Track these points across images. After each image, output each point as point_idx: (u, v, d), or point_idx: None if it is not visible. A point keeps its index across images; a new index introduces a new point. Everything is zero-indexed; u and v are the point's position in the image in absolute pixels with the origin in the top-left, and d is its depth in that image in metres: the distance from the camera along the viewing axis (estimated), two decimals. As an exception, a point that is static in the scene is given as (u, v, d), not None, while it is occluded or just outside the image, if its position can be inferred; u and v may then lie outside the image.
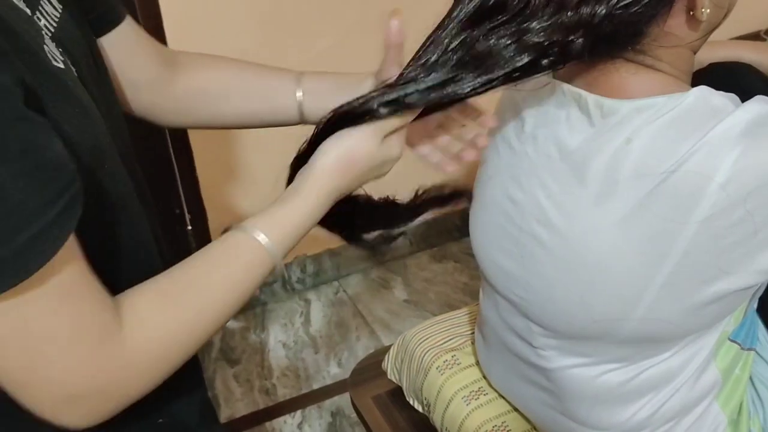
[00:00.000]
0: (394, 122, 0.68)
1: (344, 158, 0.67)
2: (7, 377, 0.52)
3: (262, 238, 0.63)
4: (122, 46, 0.78)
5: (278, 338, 1.90)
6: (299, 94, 0.81)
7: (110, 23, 0.77)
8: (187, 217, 1.77)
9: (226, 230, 0.65)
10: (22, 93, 0.49)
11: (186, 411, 0.76)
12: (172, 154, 1.68)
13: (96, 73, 0.70)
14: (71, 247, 0.52)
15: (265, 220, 0.65)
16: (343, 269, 2.07)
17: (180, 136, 1.67)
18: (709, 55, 1.01)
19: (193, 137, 1.68)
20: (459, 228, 2.15)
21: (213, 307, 0.61)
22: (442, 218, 2.13)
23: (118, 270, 0.65)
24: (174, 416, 0.74)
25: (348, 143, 0.67)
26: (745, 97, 0.68)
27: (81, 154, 0.57)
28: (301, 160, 0.72)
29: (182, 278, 0.61)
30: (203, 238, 1.79)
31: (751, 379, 0.87)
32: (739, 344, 0.82)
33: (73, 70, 0.62)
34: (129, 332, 0.56)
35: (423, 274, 2.08)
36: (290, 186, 0.69)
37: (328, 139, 0.68)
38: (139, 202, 0.70)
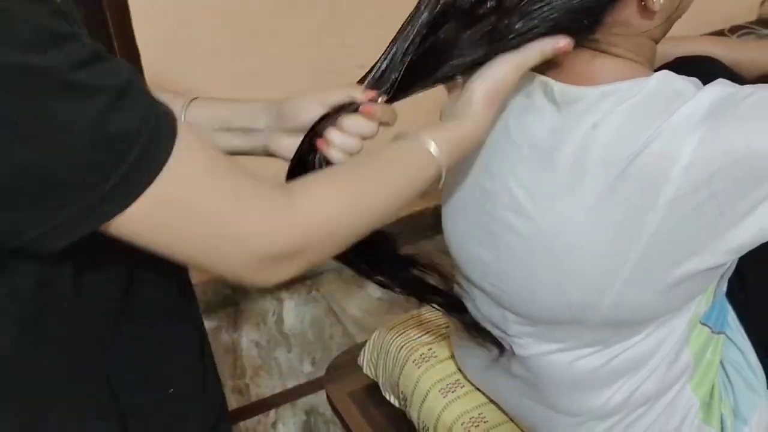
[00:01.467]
0: (535, 60, 0.70)
1: (492, 93, 0.71)
2: (201, 254, 0.55)
3: (434, 149, 0.68)
4: None
5: (251, 337, 1.89)
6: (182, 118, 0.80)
7: None
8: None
9: (400, 135, 0.70)
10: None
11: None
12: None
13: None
14: (192, 133, 0.54)
15: (438, 134, 0.69)
16: (317, 267, 2.06)
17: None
18: (676, 49, 1.03)
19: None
20: (432, 226, 2.15)
21: (380, 199, 0.65)
22: (416, 216, 2.13)
23: None
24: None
25: (495, 79, 0.70)
26: (707, 83, 0.70)
27: None
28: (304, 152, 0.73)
29: (356, 168, 0.67)
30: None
31: (721, 362, 0.89)
32: (710, 327, 0.84)
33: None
34: (298, 200, 0.59)
35: (396, 271, 2.08)
36: (458, 107, 0.72)
37: (473, 78, 0.71)
38: None
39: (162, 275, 0.69)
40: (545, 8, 0.67)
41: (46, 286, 0.57)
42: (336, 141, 0.71)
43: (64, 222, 0.49)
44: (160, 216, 0.52)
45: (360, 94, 0.72)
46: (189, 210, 0.53)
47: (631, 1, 0.69)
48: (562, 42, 0.69)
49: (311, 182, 0.63)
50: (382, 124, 0.73)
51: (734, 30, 2.11)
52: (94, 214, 0.50)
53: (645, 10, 0.70)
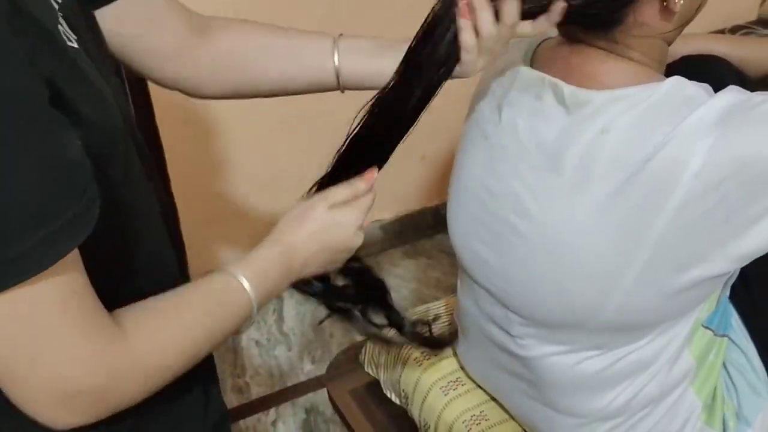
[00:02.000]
0: (343, 193, 0.74)
1: (296, 216, 0.74)
2: (5, 371, 0.52)
3: (246, 285, 0.66)
4: (140, 14, 0.75)
5: (251, 336, 1.89)
6: (336, 56, 0.79)
7: None
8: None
9: (219, 271, 0.67)
10: (47, 91, 0.49)
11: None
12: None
13: (97, 49, 0.67)
14: (77, 255, 0.52)
15: (258, 275, 0.68)
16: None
17: (152, 137, 1.63)
18: (682, 48, 1.03)
19: (165, 139, 1.65)
20: (432, 225, 2.15)
21: (203, 335, 0.63)
22: (415, 215, 2.13)
23: (138, 256, 0.66)
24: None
25: (303, 205, 0.75)
26: (716, 88, 0.70)
27: (98, 136, 0.56)
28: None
29: (179, 302, 0.63)
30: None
31: (724, 364, 0.89)
32: (712, 331, 0.84)
33: (82, 49, 0.61)
34: (132, 339, 0.57)
35: (396, 270, 2.08)
36: (284, 234, 0.73)
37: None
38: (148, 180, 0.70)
39: (159, 269, 0.68)
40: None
41: None
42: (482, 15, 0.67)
43: None
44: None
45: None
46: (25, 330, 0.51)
47: (653, 1, 0.69)
48: (371, 177, 0.76)
49: (144, 320, 0.60)
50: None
51: (734, 30, 2.11)
52: None
53: (666, 10, 0.69)
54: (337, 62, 0.79)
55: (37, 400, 0.53)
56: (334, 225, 0.74)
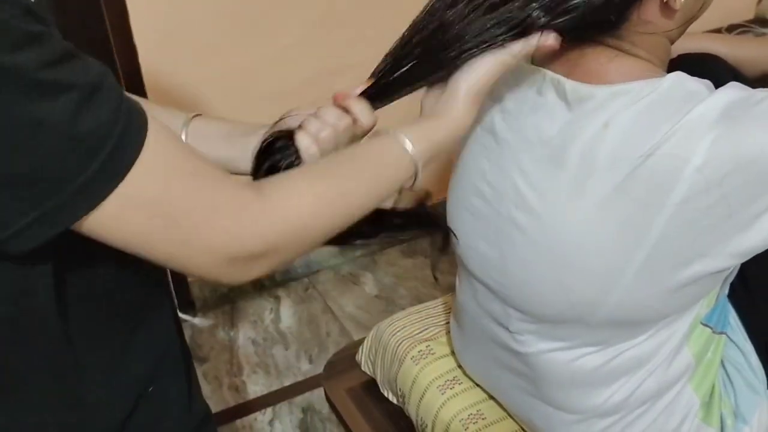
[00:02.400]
0: (520, 54, 0.69)
1: (478, 91, 0.71)
2: (170, 253, 0.55)
3: (410, 147, 0.67)
4: None
5: (248, 335, 1.89)
6: (183, 136, 0.78)
7: None
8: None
9: (377, 133, 0.69)
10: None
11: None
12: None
13: None
14: (164, 131, 0.54)
15: (415, 133, 0.68)
16: (313, 266, 2.05)
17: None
18: (679, 46, 1.03)
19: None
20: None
21: (354, 197, 0.64)
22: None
23: None
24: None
25: (478, 75, 0.70)
26: (714, 86, 0.70)
27: None
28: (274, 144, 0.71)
29: (329, 166, 0.66)
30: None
31: (722, 362, 0.89)
32: (711, 328, 0.84)
33: None
34: (269, 200, 0.58)
35: (393, 269, 2.08)
36: (441, 102, 0.71)
37: (458, 74, 0.70)
38: None
39: (138, 275, 0.68)
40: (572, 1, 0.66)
41: (19, 283, 0.56)
42: (311, 128, 0.70)
43: (32, 223, 0.48)
44: (130, 216, 0.51)
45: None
46: (158, 209, 0.52)
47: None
48: (550, 39, 0.68)
49: (283, 180, 0.62)
50: (358, 124, 0.72)
51: (731, 29, 2.11)
52: (63, 214, 0.49)
53: (667, 8, 0.70)
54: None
55: (207, 268, 0.56)
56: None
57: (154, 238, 0.53)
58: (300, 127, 0.71)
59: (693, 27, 0.79)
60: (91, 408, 0.65)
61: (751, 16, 2.26)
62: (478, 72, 0.69)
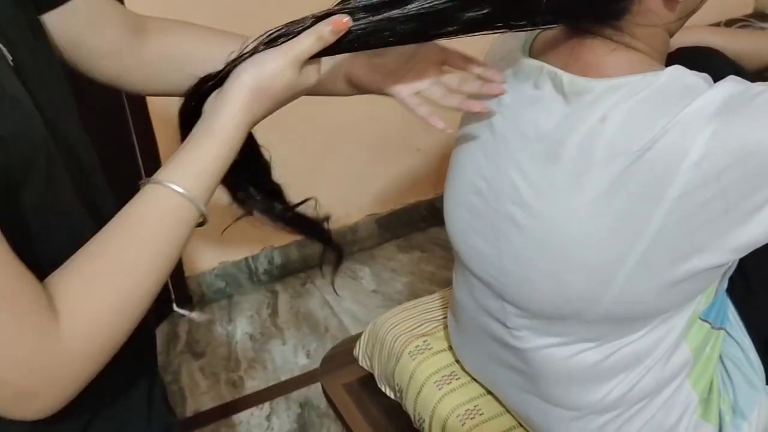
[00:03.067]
0: (313, 48, 0.65)
1: (261, 89, 0.65)
2: None
3: (179, 189, 0.60)
4: (82, 15, 0.75)
5: (245, 330, 1.88)
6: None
7: None
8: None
9: (142, 183, 0.62)
10: None
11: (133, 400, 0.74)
12: (137, 148, 1.64)
13: (37, 55, 0.66)
14: None
15: (181, 168, 0.62)
16: (311, 261, 2.05)
17: (144, 132, 1.63)
18: (678, 39, 1.02)
19: (152, 109, 1.64)
20: (425, 218, 2.15)
21: (145, 277, 0.59)
22: (410, 209, 2.12)
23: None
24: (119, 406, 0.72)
25: (266, 73, 0.65)
26: (713, 79, 0.69)
27: (9, 149, 0.54)
28: (204, 86, 0.69)
29: (108, 256, 0.58)
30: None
31: (720, 358, 0.88)
32: (710, 323, 0.83)
33: (8, 56, 0.59)
34: (66, 324, 0.54)
35: (390, 264, 2.08)
36: (202, 120, 0.65)
37: (242, 66, 0.66)
38: (85, 203, 0.66)
39: None
40: None
41: None
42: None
43: None
44: None
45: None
46: None
47: None
48: (341, 22, 0.64)
49: (76, 294, 0.56)
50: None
51: (730, 23, 2.11)
52: None
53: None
54: None
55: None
56: (298, 89, 0.67)
57: None
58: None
59: (692, 21, 0.78)
60: (44, 427, 0.63)
61: (749, 10, 2.26)
62: (264, 66, 0.65)
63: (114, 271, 0.58)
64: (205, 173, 0.62)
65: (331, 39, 0.66)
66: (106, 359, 0.58)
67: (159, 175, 0.61)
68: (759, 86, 0.67)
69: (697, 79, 0.68)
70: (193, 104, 0.70)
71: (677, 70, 0.68)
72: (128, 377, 0.72)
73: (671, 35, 0.75)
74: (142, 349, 0.75)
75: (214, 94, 0.67)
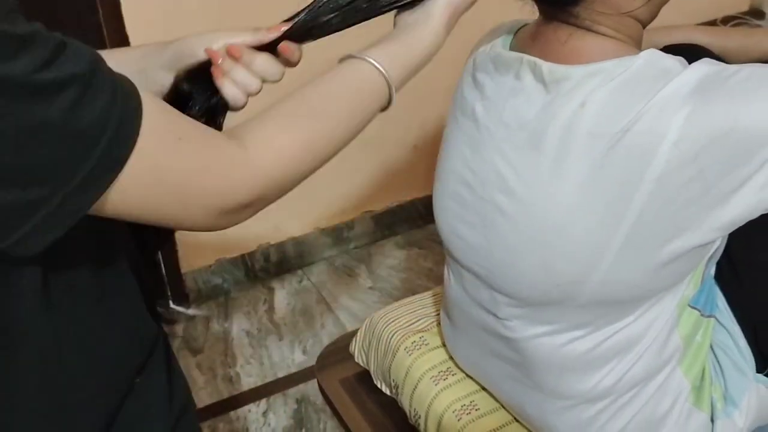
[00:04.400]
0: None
1: (456, 11, 0.71)
2: (167, 214, 0.57)
3: (381, 68, 0.66)
4: None
5: (242, 326, 1.89)
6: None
7: None
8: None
9: (342, 59, 0.68)
10: None
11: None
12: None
13: None
14: (153, 101, 0.54)
15: (387, 55, 0.68)
16: (307, 258, 2.05)
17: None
18: (665, 38, 1.03)
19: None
20: (423, 215, 2.15)
21: (334, 133, 0.65)
22: (407, 205, 2.13)
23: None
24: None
25: None
26: None
27: None
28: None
29: (305, 104, 0.65)
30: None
31: (711, 346, 0.89)
32: (699, 311, 0.84)
33: None
34: (254, 153, 0.59)
35: (387, 261, 2.08)
36: (405, 27, 0.71)
37: None
38: None
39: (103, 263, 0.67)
40: None
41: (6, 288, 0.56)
42: (239, 78, 0.69)
43: (45, 219, 0.49)
44: (135, 188, 0.53)
45: (267, 36, 0.71)
46: (160, 177, 0.55)
47: None
48: None
49: (261, 129, 0.62)
50: (288, 65, 0.72)
51: (726, 20, 2.12)
52: (74, 204, 0.50)
53: None
54: None
55: (203, 222, 0.59)
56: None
57: (155, 203, 0.55)
58: (221, 71, 0.70)
59: (687, 18, 0.79)
60: (75, 407, 0.65)
61: (745, 7, 2.26)
62: None
63: (307, 117, 0.64)
64: (406, 67, 0.69)
65: None
66: (290, 188, 0.63)
67: (364, 53, 0.67)
68: (733, 67, 0.68)
69: (673, 61, 0.69)
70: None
71: (652, 54, 0.70)
72: (151, 357, 0.73)
73: (644, 23, 0.76)
74: (158, 326, 0.77)
75: (406, 14, 0.71)
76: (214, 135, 0.59)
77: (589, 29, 0.73)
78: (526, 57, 0.75)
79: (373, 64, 0.67)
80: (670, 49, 0.94)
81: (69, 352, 0.63)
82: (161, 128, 0.54)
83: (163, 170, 0.55)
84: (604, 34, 0.73)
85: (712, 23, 2.02)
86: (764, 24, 2.15)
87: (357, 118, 0.66)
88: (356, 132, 0.67)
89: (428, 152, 2.06)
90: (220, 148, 0.58)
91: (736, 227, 0.70)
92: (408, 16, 0.71)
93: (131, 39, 1.54)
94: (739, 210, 0.68)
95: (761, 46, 1.05)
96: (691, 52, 0.97)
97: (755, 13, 2.21)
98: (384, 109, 0.69)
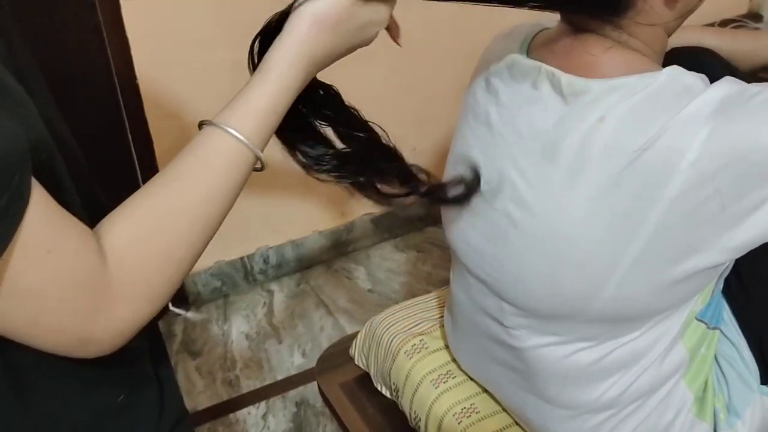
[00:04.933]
0: None
1: (319, 18, 0.60)
2: (18, 332, 0.52)
3: (236, 133, 0.58)
4: None
5: (241, 329, 1.88)
6: None
7: None
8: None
9: (200, 124, 0.60)
10: None
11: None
12: (137, 165, 1.64)
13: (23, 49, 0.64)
14: (37, 204, 0.50)
15: (238, 111, 0.59)
16: (306, 260, 2.05)
17: (143, 136, 1.63)
18: (674, 39, 1.02)
19: (154, 131, 1.65)
20: (422, 218, 2.15)
21: (196, 221, 0.58)
22: (405, 208, 2.12)
23: None
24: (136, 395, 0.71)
25: (324, 2, 0.61)
26: (708, 79, 0.70)
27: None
28: (268, 35, 0.65)
29: (161, 201, 0.57)
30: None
31: (715, 357, 0.89)
32: (705, 323, 0.84)
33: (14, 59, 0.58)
34: (114, 269, 0.54)
35: (386, 264, 2.08)
36: (263, 60, 0.62)
37: (301, 1, 0.62)
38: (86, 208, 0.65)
39: None
40: None
41: None
42: None
43: None
44: None
45: None
46: (8, 292, 0.50)
47: None
48: None
49: (125, 241, 0.56)
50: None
51: (725, 23, 2.12)
52: None
53: None
54: None
55: (57, 348, 0.54)
56: (366, 23, 0.64)
57: (5, 321, 0.51)
58: None
59: (687, 21, 0.79)
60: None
61: (744, 10, 2.26)
62: (316, 2, 0.61)
63: (163, 215, 0.57)
64: (260, 113, 0.60)
65: None
66: (159, 302, 0.57)
67: (216, 117, 0.59)
68: (755, 87, 0.67)
69: (695, 79, 0.68)
70: (258, 51, 0.67)
71: (675, 70, 0.69)
72: (142, 368, 0.72)
73: (669, 35, 0.75)
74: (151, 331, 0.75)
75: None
76: (85, 250, 0.53)
77: (623, 43, 0.72)
78: (545, 67, 0.74)
79: (226, 135, 0.59)
80: (679, 51, 0.94)
81: (45, 377, 0.61)
82: (31, 238, 0.50)
83: (18, 285, 0.50)
84: (633, 48, 0.72)
85: (711, 26, 2.02)
86: (762, 26, 2.16)
87: (223, 198, 0.59)
88: (227, 208, 0.60)
89: (428, 155, 2.06)
90: (84, 272, 0.52)
91: (750, 249, 0.70)
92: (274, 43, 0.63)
93: (131, 40, 1.54)
94: (753, 232, 0.67)
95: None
96: (699, 55, 0.97)
97: (754, 16, 2.21)
98: (258, 169, 0.62)
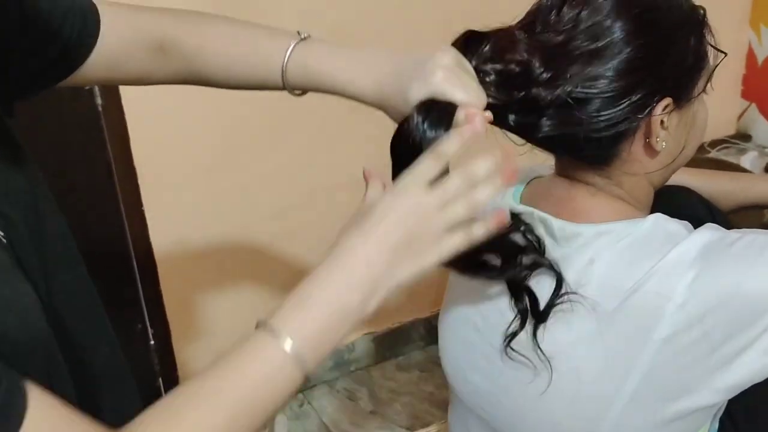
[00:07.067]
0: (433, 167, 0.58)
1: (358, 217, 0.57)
2: None
3: (287, 344, 0.53)
4: (101, 66, 0.78)
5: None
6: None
7: (85, 49, 0.76)
8: (150, 332, 1.74)
9: (257, 325, 0.55)
10: None
11: None
12: (136, 269, 1.67)
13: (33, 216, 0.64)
14: (38, 411, 0.48)
15: (297, 324, 0.54)
16: (309, 380, 2.03)
17: (144, 251, 1.67)
18: None
19: (158, 254, 1.68)
20: (423, 336, 2.14)
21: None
22: (407, 326, 2.12)
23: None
24: None
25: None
26: (686, 218, 0.73)
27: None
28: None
29: (192, 412, 0.53)
30: (166, 352, 1.76)
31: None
32: (700, 463, 0.83)
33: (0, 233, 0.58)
34: None
35: (388, 384, 2.06)
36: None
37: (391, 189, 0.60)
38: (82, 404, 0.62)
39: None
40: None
41: None
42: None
43: None
44: None
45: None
46: None
47: (639, 137, 0.73)
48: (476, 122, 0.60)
49: None
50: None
51: (714, 144, 2.18)
52: None
53: (649, 148, 0.74)
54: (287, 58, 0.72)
55: None
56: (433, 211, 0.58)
57: None
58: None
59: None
60: None
61: (732, 131, 2.32)
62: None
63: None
64: (322, 333, 0.55)
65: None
66: None
67: (274, 321, 0.54)
68: (735, 233, 0.70)
69: (678, 226, 0.72)
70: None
71: (659, 218, 0.73)
72: None
73: (655, 187, 0.79)
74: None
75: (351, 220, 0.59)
76: None
77: (607, 191, 0.75)
78: (537, 212, 0.77)
79: (276, 344, 0.53)
80: (661, 190, 0.98)
81: None
82: None
83: None
84: (619, 196, 0.76)
85: (700, 147, 2.07)
86: (750, 147, 2.21)
87: (255, 420, 0.54)
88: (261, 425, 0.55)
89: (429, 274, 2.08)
90: None
91: (741, 390, 0.71)
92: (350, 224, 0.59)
93: (138, 170, 1.59)
94: (743, 373, 0.69)
95: (746, 193, 1.09)
96: (679, 194, 1.01)
97: (742, 136, 2.27)
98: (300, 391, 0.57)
